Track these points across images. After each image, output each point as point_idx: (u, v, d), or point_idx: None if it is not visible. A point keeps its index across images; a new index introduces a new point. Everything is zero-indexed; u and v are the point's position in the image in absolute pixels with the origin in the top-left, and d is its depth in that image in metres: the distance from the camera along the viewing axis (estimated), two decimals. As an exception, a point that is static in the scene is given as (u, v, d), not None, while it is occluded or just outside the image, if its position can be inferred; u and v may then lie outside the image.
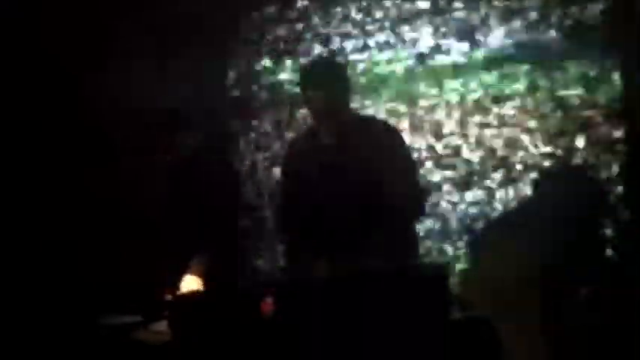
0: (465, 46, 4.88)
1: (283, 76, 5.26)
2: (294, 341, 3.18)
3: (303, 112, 4.96)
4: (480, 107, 4.84)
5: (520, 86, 4.77)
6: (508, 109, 4.80)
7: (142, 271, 4.39)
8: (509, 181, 4.79)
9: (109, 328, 3.71)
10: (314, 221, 3.83)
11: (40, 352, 3.76)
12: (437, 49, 4.93)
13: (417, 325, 3.10)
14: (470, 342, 3.40)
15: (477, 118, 4.85)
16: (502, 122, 4.81)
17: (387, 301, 3.13)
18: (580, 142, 4.69)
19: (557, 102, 4.70)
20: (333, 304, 3.18)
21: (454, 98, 4.88)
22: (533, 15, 4.74)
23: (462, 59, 4.88)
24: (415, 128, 4.93)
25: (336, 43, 5.12)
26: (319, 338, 3.14)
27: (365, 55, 5.08)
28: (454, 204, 4.89)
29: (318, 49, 5.17)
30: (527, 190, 4.56)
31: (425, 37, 4.95)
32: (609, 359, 3.34)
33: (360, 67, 5.05)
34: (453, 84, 4.88)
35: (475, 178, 4.85)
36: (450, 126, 4.90)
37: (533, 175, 4.60)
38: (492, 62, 4.81)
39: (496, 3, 4.80)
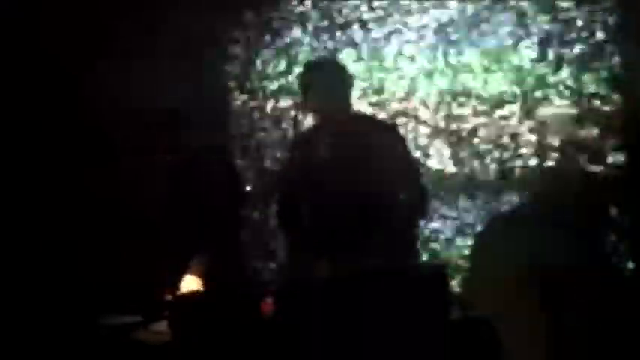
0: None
1: (284, 75, 5.27)
2: (294, 341, 3.18)
3: (303, 111, 4.97)
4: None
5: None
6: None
7: (142, 271, 4.39)
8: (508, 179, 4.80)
9: (109, 328, 3.71)
10: (315, 221, 3.83)
11: (40, 352, 3.76)
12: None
13: (417, 324, 3.11)
14: (470, 342, 3.40)
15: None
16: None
17: (387, 300, 3.13)
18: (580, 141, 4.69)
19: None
20: (333, 303, 3.18)
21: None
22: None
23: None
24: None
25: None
26: (319, 338, 3.14)
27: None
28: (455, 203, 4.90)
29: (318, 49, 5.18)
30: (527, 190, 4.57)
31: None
32: (610, 358, 3.34)
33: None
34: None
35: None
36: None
37: (533, 174, 4.61)
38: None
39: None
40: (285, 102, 5.22)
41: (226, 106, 5.33)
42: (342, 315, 3.13)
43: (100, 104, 5.02)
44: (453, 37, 4.91)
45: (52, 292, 4.75)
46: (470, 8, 4.85)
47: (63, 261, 4.96)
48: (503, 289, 3.23)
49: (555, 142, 3.38)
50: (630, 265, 4.53)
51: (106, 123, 5.04)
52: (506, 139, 4.85)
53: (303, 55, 5.15)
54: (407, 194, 3.86)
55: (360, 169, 3.79)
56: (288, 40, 5.23)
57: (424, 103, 4.95)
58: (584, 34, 4.72)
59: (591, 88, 4.69)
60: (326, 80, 3.82)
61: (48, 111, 5.08)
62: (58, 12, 5.03)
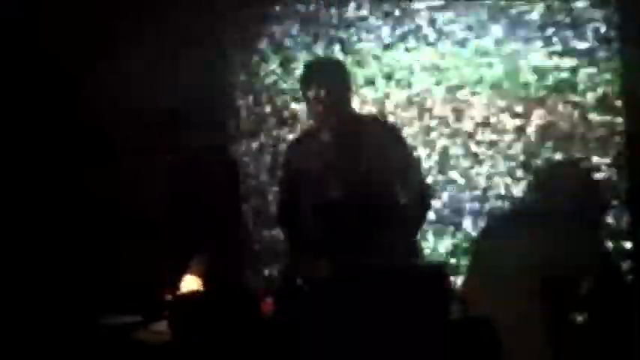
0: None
1: (284, 74, 5.27)
2: (294, 341, 3.18)
3: (303, 110, 4.97)
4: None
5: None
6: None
7: (142, 271, 4.38)
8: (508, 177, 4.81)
9: (109, 328, 3.71)
10: (315, 221, 3.83)
11: (40, 352, 3.75)
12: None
13: (417, 324, 3.10)
14: (470, 342, 3.40)
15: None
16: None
17: (387, 300, 3.13)
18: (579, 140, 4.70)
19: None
20: (333, 303, 3.18)
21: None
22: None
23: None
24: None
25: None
26: (319, 338, 3.14)
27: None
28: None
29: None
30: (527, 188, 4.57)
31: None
32: (609, 358, 3.34)
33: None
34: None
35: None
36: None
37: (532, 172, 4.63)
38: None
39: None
40: (285, 101, 5.23)
41: (226, 106, 5.34)
42: (342, 315, 3.13)
43: (99, 104, 5.02)
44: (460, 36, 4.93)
45: (52, 292, 4.75)
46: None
47: (63, 261, 4.96)
48: (503, 288, 3.23)
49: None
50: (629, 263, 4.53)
51: (106, 123, 5.04)
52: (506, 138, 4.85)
53: (304, 54, 5.16)
54: (408, 194, 3.86)
55: (360, 168, 3.79)
56: (288, 39, 5.24)
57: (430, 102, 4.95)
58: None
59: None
60: (326, 80, 3.81)
61: (48, 111, 5.08)
62: (58, 12, 5.03)
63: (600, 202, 3.44)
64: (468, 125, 4.90)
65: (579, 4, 4.72)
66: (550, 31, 4.76)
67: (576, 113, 4.72)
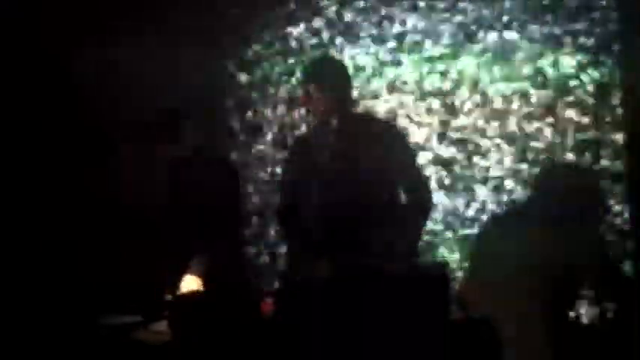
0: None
1: (284, 74, 5.27)
2: (294, 341, 3.18)
3: (304, 110, 4.97)
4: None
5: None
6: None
7: (142, 271, 4.39)
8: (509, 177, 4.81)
9: (109, 328, 3.71)
10: (315, 220, 3.83)
11: (40, 352, 3.75)
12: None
13: (417, 324, 3.10)
14: (470, 342, 3.40)
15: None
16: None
17: (387, 300, 3.13)
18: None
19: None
20: (333, 304, 3.17)
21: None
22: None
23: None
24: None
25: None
26: (319, 338, 3.14)
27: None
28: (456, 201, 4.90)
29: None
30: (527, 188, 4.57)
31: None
32: (610, 358, 3.34)
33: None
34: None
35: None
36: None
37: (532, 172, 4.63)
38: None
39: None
40: (286, 101, 5.23)
41: (226, 106, 5.34)
42: (342, 315, 3.13)
43: (99, 104, 5.02)
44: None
45: (52, 292, 4.75)
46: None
47: (63, 261, 4.96)
48: (503, 289, 3.23)
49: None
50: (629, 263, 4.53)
51: (105, 123, 5.05)
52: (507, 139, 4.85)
53: (305, 53, 5.16)
54: (408, 194, 3.86)
55: (360, 168, 3.79)
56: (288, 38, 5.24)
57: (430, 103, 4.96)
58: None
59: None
60: (327, 79, 3.81)
61: (48, 110, 5.08)
62: (57, 12, 5.03)
63: (601, 203, 3.43)
64: (467, 124, 4.90)
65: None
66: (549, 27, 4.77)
67: (576, 112, 4.72)
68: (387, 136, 3.87)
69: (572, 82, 4.73)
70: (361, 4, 5.06)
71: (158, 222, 4.21)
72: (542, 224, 3.27)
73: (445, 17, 4.91)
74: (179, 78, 4.84)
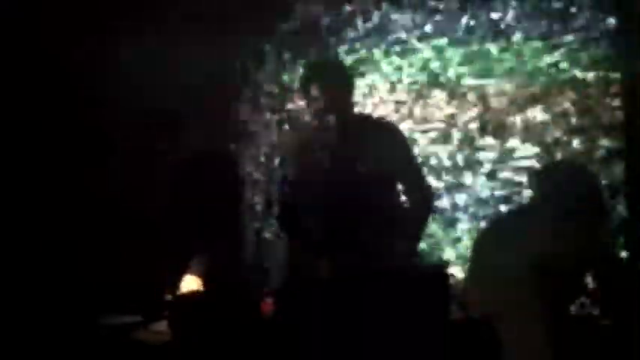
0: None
1: (285, 73, 5.27)
2: (294, 341, 3.18)
3: (304, 110, 4.98)
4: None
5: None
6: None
7: (142, 271, 4.39)
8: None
9: (109, 328, 3.71)
10: (315, 221, 3.83)
11: (40, 352, 3.76)
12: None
13: (417, 324, 3.10)
14: (470, 342, 3.40)
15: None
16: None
17: (387, 301, 3.13)
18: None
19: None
20: (333, 304, 3.18)
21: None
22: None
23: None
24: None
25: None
26: (319, 338, 3.14)
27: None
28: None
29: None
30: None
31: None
32: (610, 358, 3.34)
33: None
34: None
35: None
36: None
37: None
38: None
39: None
40: (287, 102, 5.24)
41: (227, 106, 5.34)
42: (342, 315, 3.13)
43: (100, 104, 5.02)
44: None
45: (52, 292, 4.75)
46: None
47: (63, 261, 4.96)
48: (504, 288, 3.23)
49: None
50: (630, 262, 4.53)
51: (106, 123, 5.05)
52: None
53: (306, 55, 5.17)
54: (409, 194, 3.87)
55: (360, 169, 3.79)
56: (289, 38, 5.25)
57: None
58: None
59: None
60: (327, 81, 3.81)
61: (48, 111, 5.08)
62: (58, 12, 5.03)
63: (601, 202, 3.43)
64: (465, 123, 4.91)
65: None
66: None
67: (576, 111, 4.73)
68: (386, 136, 3.87)
69: (572, 80, 4.74)
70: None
71: (158, 222, 4.21)
72: (543, 224, 3.27)
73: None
74: (179, 78, 4.84)
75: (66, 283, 4.87)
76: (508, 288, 3.21)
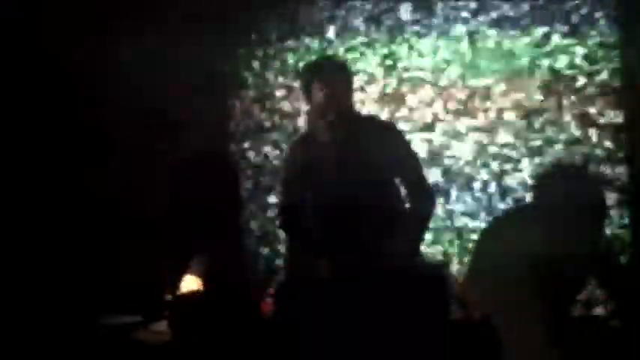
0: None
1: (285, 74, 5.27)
2: (294, 341, 3.18)
3: (304, 110, 4.98)
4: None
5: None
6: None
7: (142, 271, 4.39)
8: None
9: (109, 328, 3.71)
10: (315, 220, 3.83)
11: (40, 352, 3.76)
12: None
13: (417, 324, 3.10)
14: (470, 342, 3.40)
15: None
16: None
17: (387, 300, 3.13)
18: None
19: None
20: (333, 304, 3.18)
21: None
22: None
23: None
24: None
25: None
26: (319, 338, 3.14)
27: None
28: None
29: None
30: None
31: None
32: (610, 358, 3.34)
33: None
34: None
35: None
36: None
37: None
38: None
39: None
40: (287, 101, 5.23)
41: (227, 106, 5.34)
42: (342, 315, 3.13)
43: (99, 104, 5.02)
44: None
45: (53, 292, 4.75)
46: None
47: (63, 261, 4.96)
48: (506, 287, 3.23)
49: None
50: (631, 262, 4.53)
51: (106, 123, 5.05)
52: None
53: (306, 54, 5.16)
54: (410, 193, 3.86)
55: (361, 168, 3.79)
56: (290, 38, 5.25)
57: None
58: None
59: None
60: (328, 80, 3.81)
61: (48, 111, 5.09)
62: (58, 12, 5.03)
63: (601, 202, 3.43)
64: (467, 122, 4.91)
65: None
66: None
67: (576, 111, 4.73)
68: (387, 135, 3.87)
69: (574, 77, 4.74)
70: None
71: (158, 222, 4.21)
72: (543, 224, 3.27)
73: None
74: (179, 78, 4.84)
75: (66, 283, 4.87)
76: (508, 288, 3.21)
